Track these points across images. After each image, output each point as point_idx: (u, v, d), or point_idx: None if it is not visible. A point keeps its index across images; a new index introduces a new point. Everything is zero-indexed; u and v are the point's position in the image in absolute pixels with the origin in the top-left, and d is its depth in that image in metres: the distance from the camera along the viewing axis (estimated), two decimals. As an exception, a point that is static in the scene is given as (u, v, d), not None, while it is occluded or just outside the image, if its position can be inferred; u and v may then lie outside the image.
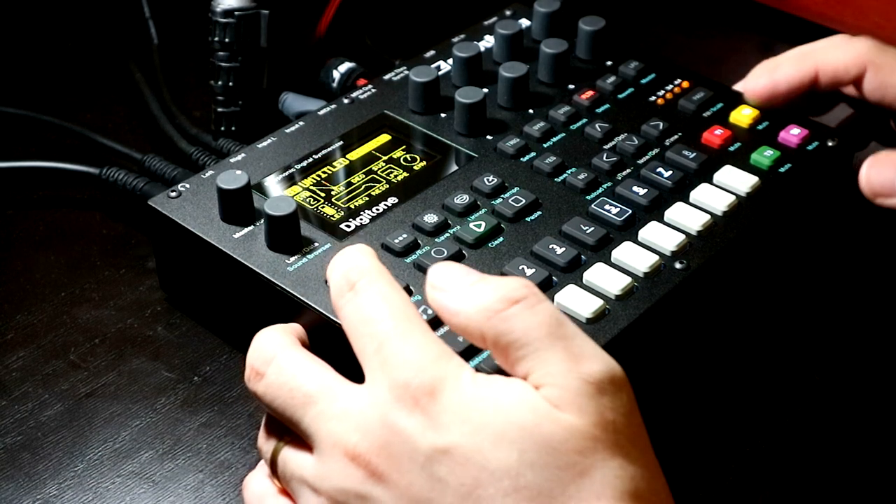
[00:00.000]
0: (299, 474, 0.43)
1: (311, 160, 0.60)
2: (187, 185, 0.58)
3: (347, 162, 0.60)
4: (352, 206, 0.57)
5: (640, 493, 0.39)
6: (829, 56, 0.61)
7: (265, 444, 0.46)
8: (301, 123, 0.63)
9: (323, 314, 0.51)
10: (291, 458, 0.44)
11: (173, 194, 0.57)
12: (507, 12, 0.71)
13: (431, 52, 0.68)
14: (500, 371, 0.43)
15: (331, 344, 0.51)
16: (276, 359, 0.45)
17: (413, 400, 0.40)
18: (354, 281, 0.44)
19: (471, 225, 0.55)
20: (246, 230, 0.55)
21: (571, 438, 0.39)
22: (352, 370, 0.44)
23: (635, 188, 0.57)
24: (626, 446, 0.40)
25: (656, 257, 0.53)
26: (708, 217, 0.56)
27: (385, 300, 0.43)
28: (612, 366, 0.41)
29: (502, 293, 0.41)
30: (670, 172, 0.58)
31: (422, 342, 0.41)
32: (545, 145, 0.61)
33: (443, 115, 0.63)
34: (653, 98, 0.64)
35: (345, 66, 0.70)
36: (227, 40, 0.66)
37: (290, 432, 0.45)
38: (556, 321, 0.41)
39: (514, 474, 0.38)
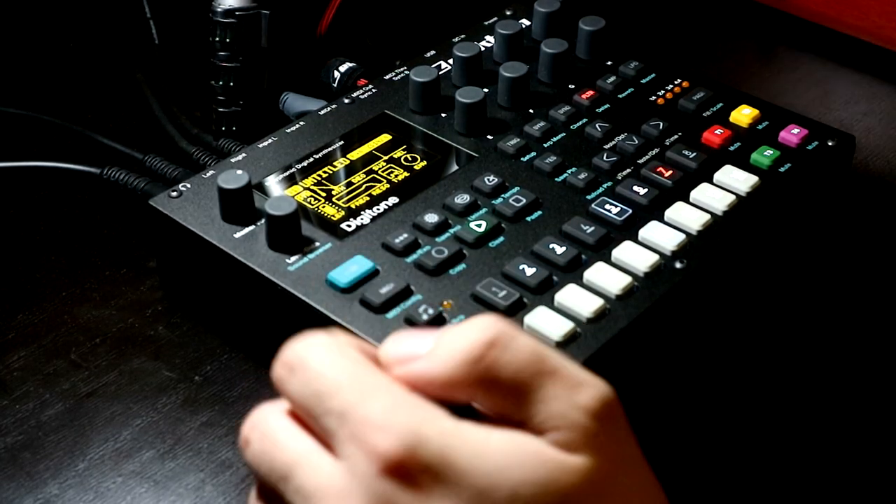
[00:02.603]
0: None
1: (311, 160, 0.60)
2: (188, 185, 0.58)
3: (348, 162, 0.60)
4: (352, 206, 0.57)
5: None
6: None
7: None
8: (301, 123, 0.63)
9: (324, 313, 0.51)
10: None
11: (174, 194, 0.57)
12: (507, 12, 0.71)
13: (431, 52, 0.68)
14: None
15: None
16: (259, 424, 0.40)
17: (399, 471, 0.35)
18: (291, 362, 0.39)
19: (471, 225, 0.55)
20: (247, 230, 0.55)
21: (587, 486, 0.36)
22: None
23: (635, 188, 0.57)
24: (633, 473, 0.38)
25: (656, 257, 0.53)
26: (708, 217, 0.56)
27: (331, 368, 0.38)
28: (603, 387, 0.38)
29: (473, 338, 0.37)
30: (670, 172, 0.58)
31: (389, 400, 0.37)
32: (545, 145, 0.61)
33: (443, 114, 0.63)
34: (653, 98, 0.64)
35: (345, 66, 0.70)
36: (227, 40, 0.66)
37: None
38: (539, 356, 0.38)
39: None
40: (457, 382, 0.37)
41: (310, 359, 0.38)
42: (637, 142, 0.61)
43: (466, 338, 0.37)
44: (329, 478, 0.37)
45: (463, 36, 0.69)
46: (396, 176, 0.59)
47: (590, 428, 0.37)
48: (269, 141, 0.61)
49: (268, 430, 0.39)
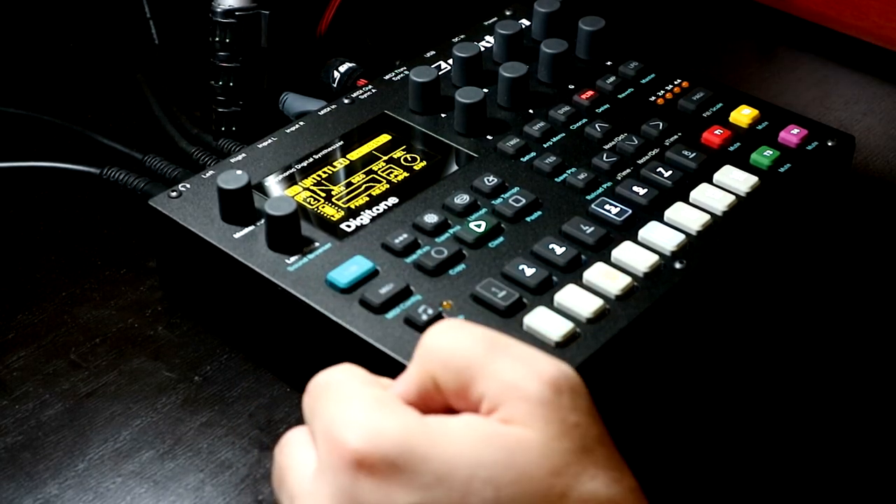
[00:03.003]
0: None
1: (311, 160, 0.60)
2: (188, 185, 0.58)
3: (348, 162, 0.60)
4: (352, 206, 0.57)
5: (615, 498, 0.38)
6: None
7: None
8: (301, 123, 0.63)
9: (323, 314, 0.51)
10: None
11: (174, 194, 0.57)
12: (507, 12, 0.71)
13: (431, 52, 0.68)
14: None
15: (331, 344, 0.51)
16: (281, 441, 0.43)
17: (360, 463, 0.37)
18: (309, 387, 0.42)
19: (471, 225, 0.55)
20: (246, 230, 0.55)
21: (543, 459, 0.37)
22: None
23: (635, 188, 0.57)
24: (594, 450, 0.38)
25: (656, 257, 0.53)
26: (708, 217, 0.56)
27: (328, 383, 0.41)
28: (562, 365, 0.39)
29: (429, 332, 0.40)
30: (670, 172, 0.58)
31: (360, 403, 0.39)
32: (545, 145, 0.61)
33: (443, 115, 0.63)
34: (653, 98, 0.64)
35: (345, 66, 0.70)
36: (227, 40, 0.66)
37: None
38: (490, 336, 0.40)
39: None
40: (414, 380, 0.40)
41: (322, 379, 0.41)
42: (637, 142, 0.60)
43: (423, 338, 0.40)
44: (306, 478, 0.40)
45: (463, 36, 0.69)
46: (396, 176, 0.59)
47: (543, 397, 0.38)
48: (269, 141, 0.61)
49: (283, 443, 0.43)
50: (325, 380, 0.41)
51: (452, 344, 0.40)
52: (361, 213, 0.57)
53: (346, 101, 0.64)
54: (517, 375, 0.39)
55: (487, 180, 0.58)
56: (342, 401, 0.40)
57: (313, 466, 0.40)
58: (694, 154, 0.59)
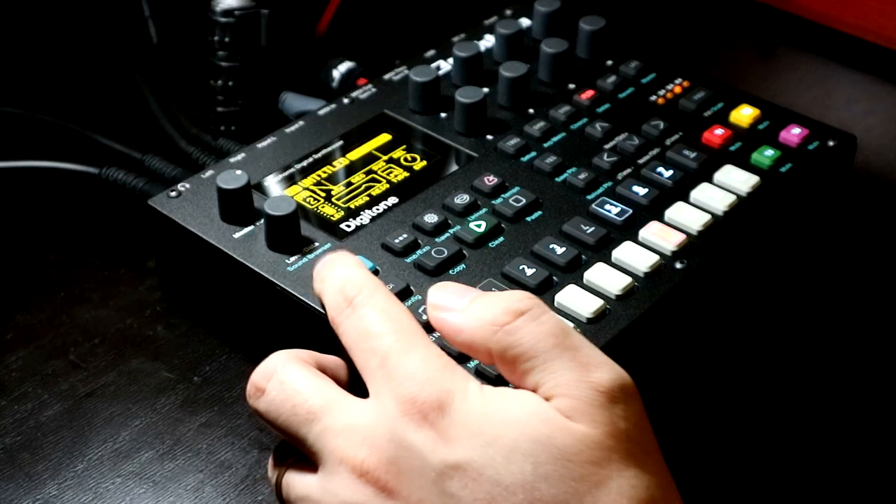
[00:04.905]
0: (305, 494, 0.42)
1: (311, 160, 0.60)
2: (187, 185, 0.58)
3: (347, 162, 0.60)
4: (352, 206, 0.57)
5: (654, 501, 0.39)
6: None
7: (271, 471, 0.45)
8: (301, 123, 0.63)
9: (323, 314, 0.51)
10: (296, 479, 0.43)
11: (173, 194, 0.57)
12: (507, 12, 0.71)
13: (431, 52, 0.68)
14: (501, 380, 0.42)
15: (332, 344, 0.51)
16: (277, 374, 0.43)
17: (421, 414, 0.39)
18: (352, 296, 0.44)
19: (471, 225, 0.55)
20: (246, 230, 0.55)
21: (585, 449, 0.38)
22: (355, 371, 0.44)
23: (636, 188, 0.57)
24: (639, 455, 0.39)
25: (657, 257, 0.53)
26: (708, 217, 0.56)
27: (385, 314, 0.43)
28: (622, 374, 0.40)
29: (505, 306, 0.41)
30: (671, 172, 0.58)
31: (426, 355, 0.41)
32: (545, 145, 0.61)
33: (443, 114, 0.63)
34: (653, 98, 0.64)
35: (345, 66, 0.70)
36: (226, 40, 0.66)
37: (297, 455, 0.44)
38: (563, 331, 0.41)
39: (528, 488, 0.38)
40: (478, 341, 0.41)
41: (367, 303, 0.43)
42: (637, 142, 0.60)
43: (498, 304, 0.41)
44: (358, 415, 0.41)
45: (463, 36, 0.69)
46: (396, 176, 0.59)
47: (594, 401, 0.39)
48: (269, 141, 0.61)
49: (288, 378, 0.43)
50: (374, 302, 0.43)
51: (526, 334, 0.40)
52: (361, 212, 0.56)
53: (345, 100, 0.64)
54: (572, 378, 0.40)
55: (487, 180, 0.58)
56: (406, 344, 0.41)
57: (354, 400, 0.42)
58: (694, 154, 0.59)
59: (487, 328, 0.41)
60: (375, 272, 0.53)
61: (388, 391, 0.40)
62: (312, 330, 0.52)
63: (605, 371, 0.40)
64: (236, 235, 0.55)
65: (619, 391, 0.40)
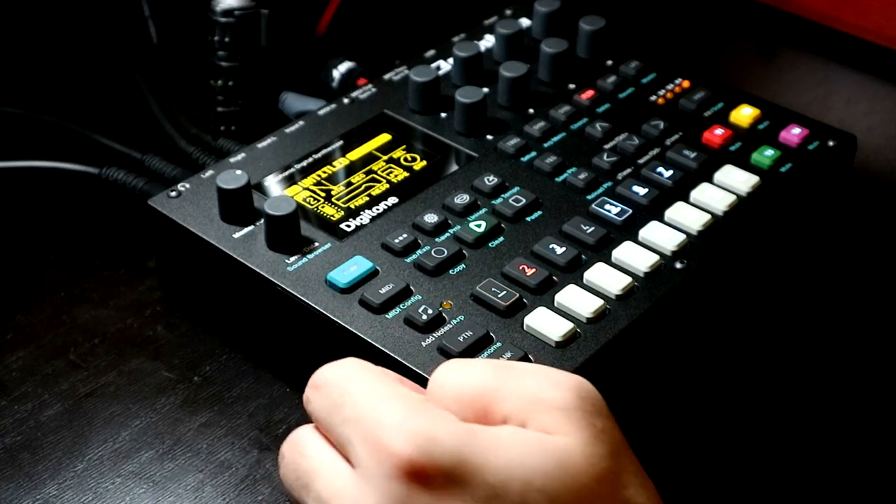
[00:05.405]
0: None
1: (311, 160, 0.60)
2: (187, 185, 0.58)
3: (347, 162, 0.60)
4: (352, 206, 0.57)
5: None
6: None
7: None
8: (301, 123, 0.63)
9: (323, 314, 0.51)
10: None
11: (173, 194, 0.57)
12: (507, 12, 0.71)
13: (431, 52, 0.68)
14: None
15: (331, 344, 0.51)
16: (292, 439, 0.41)
17: (414, 472, 0.36)
18: (318, 382, 0.41)
19: (471, 225, 0.55)
20: (246, 230, 0.55)
21: (589, 466, 0.37)
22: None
23: (635, 188, 0.57)
24: (622, 455, 0.38)
25: (656, 257, 0.53)
26: (708, 217, 0.56)
27: (352, 379, 0.40)
28: (574, 375, 0.39)
29: (433, 375, 0.39)
30: (671, 172, 0.58)
31: (402, 405, 0.38)
32: (545, 145, 0.61)
33: (443, 114, 0.63)
34: (653, 98, 0.64)
35: (345, 66, 0.70)
36: (226, 40, 0.66)
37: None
38: (498, 364, 0.39)
39: None
40: (451, 406, 0.39)
41: (334, 376, 0.40)
42: (637, 142, 0.60)
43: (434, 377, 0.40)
44: (344, 484, 0.38)
45: (463, 36, 0.69)
46: (396, 176, 0.59)
47: (570, 403, 0.38)
48: (269, 141, 0.61)
49: (297, 442, 0.41)
50: (340, 375, 0.40)
51: (460, 379, 0.39)
52: (361, 212, 0.56)
53: (345, 100, 0.64)
54: (538, 388, 0.38)
55: (487, 180, 0.58)
56: (379, 402, 0.38)
57: (344, 468, 0.38)
58: (694, 154, 0.59)
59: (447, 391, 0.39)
60: (375, 272, 0.53)
61: (369, 454, 0.37)
62: (312, 330, 0.52)
63: (557, 373, 0.39)
64: (236, 235, 0.55)
65: (581, 387, 0.39)
